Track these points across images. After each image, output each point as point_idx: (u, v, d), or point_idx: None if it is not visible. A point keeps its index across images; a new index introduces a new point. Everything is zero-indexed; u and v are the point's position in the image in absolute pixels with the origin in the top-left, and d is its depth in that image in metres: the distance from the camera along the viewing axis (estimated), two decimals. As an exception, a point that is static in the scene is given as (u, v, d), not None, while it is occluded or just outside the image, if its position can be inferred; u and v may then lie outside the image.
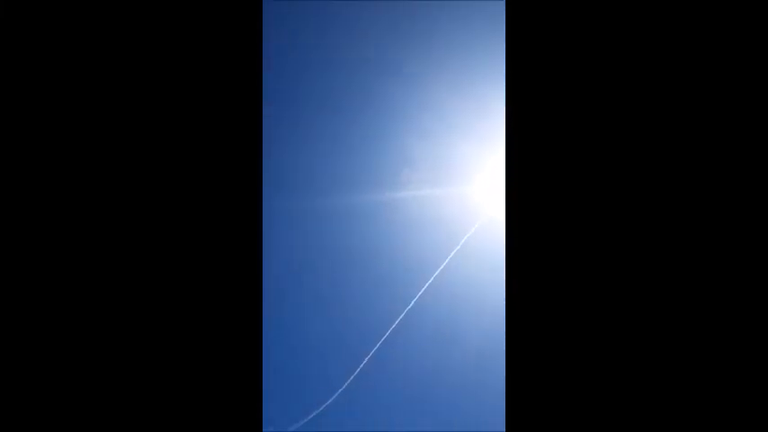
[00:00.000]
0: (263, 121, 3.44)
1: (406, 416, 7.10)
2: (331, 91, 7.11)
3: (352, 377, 6.82)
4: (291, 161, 7.10)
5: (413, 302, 6.82)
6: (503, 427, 3.26)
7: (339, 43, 6.91)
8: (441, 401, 7.11)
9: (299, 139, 7.11)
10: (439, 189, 7.06)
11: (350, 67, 6.99)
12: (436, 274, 6.79)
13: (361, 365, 6.83)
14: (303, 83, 7.08)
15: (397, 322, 6.82)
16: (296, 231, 7.11)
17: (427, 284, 6.79)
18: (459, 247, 6.74)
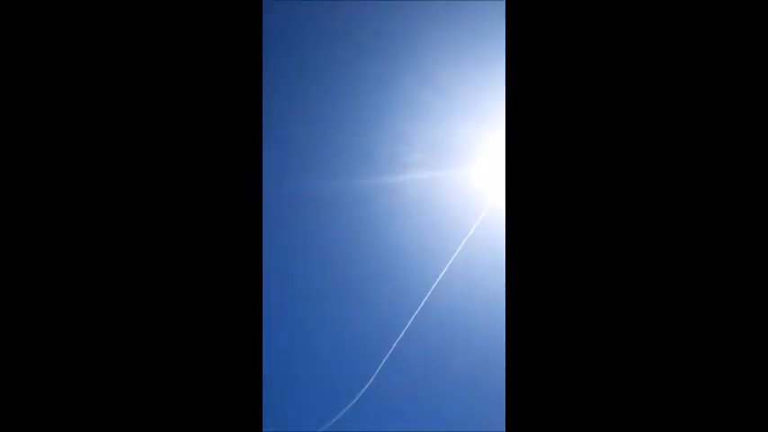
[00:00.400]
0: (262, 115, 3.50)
1: (428, 418, 6.88)
2: (326, 70, 6.88)
3: (372, 378, 6.65)
4: (286, 144, 6.87)
5: (429, 293, 6.58)
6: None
7: (335, 26, 6.68)
8: (463, 401, 6.89)
9: (293, 120, 6.87)
10: (440, 171, 6.80)
11: (346, 48, 6.76)
12: (449, 263, 6.56)
13: (381, 365, 6.63)
14: (298, 63, 6.85)
15: (412, 319, 6.62)
16: (295, 220, 6.94)
17: (442, 274, 6.57)
18: (467, 238, 6.49)
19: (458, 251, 6.54)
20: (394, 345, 6.60)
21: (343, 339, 7.07)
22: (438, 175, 6.82)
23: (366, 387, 6.69)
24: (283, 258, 6.92)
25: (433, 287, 6.57)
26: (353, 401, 6.70)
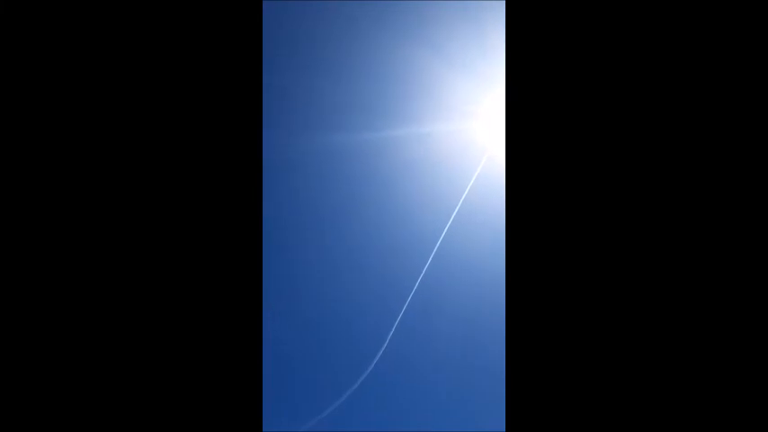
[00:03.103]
0: (262, 109, 3.46)
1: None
2: (326, 30, 6.78)
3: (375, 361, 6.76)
4: (286, 99, 6.89)
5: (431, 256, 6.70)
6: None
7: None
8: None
9: (292, 75, 6.86)
10: (437, 126, 6.91)
11: (347, 10, 6.62)
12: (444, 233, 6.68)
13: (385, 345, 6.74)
14: (298, 22, 6.73)
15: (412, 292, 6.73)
16: (294, 177, 7.03)
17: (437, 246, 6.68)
18: (465, 193, 6.63)
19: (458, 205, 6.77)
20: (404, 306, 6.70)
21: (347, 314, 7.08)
22: (437, 129, 6.95)
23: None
24: (284, 219, 6.99)
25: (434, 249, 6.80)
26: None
